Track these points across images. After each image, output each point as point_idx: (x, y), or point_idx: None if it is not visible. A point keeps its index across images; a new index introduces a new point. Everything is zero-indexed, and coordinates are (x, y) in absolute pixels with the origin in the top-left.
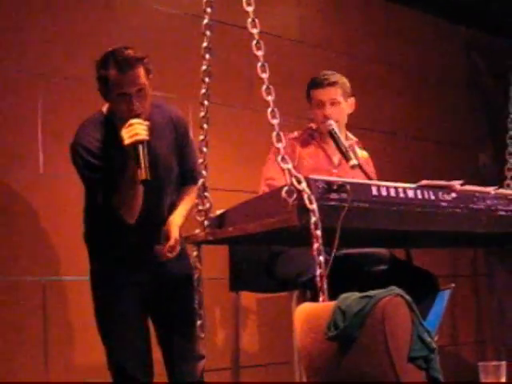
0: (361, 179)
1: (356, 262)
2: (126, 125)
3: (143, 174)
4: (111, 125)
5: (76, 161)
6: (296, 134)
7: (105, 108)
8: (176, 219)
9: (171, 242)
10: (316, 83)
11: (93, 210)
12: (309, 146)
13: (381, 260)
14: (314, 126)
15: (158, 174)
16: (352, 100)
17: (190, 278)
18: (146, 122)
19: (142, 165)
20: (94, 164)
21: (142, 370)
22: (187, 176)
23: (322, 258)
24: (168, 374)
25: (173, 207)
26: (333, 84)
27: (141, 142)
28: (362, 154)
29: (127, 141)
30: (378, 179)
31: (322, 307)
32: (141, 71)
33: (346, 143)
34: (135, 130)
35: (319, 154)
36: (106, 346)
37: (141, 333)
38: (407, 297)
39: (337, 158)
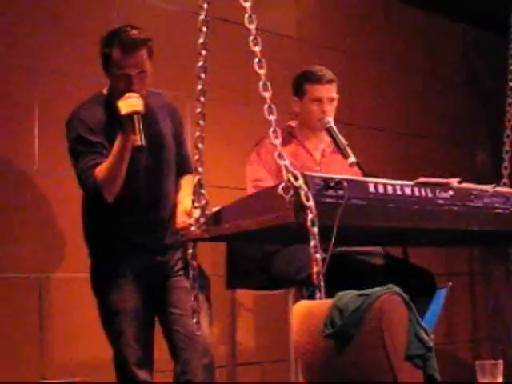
0: (344, 174)
1: (353, 260)
2: (125, 96)
3: (138, 139)
4: (110, 105)
5: (70, 133)
6: None
7: (105, 90)
8: (184, 194)
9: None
10: (314, 78)
11: (93, 201)
12: (289, 144)
13: (378, 258)
14: (293, 124)
15: (164, 155)
16: (338, 97)
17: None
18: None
19: (138, 131)
20: (86, 138)
21: (146, 366)
22: (184, 164)
23: (318, 256)
24: (175, 364)
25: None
26: (331, 81)
27: (137, 112)
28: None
29: (124, 110)
30: (375, 177)
31: (319, 305)
32: (144, 53)
33: (344, 140)
34: (133, 102)
35: (300, 152)
36: (111, 342)
37: (146, 328)
38: (404, 295)
39: (318, 153)
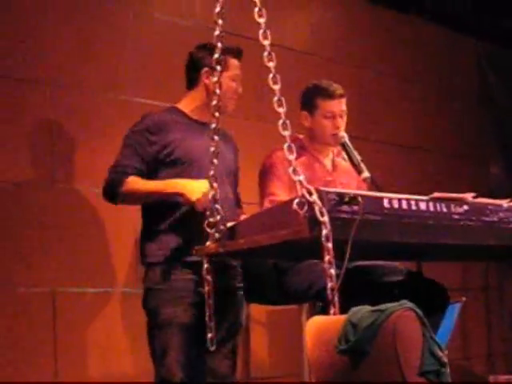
0: (353, 182)
1: (367, 275)
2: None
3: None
4: (181, 113)
5: (134, 126)
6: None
7: (180, 105)
8: None
9: None
10: (327, 93)
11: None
12: (301, 156)
13: (392, 272)
14: (301, 136)
15: (231, 188)
16: None
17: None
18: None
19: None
20: (145, 139)
21: None
22: (238, 201)
23: (333, 271)
24: None
25: None
26: (343, 96)
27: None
28: (344, 163)
29: (194, 196)
30: (390, 192)
31: (333, 320)
32: None
33: (357, 155)
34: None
35: (313, 163)
36: (163, 361)
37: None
38: (418, 310)
39: (329, 162)
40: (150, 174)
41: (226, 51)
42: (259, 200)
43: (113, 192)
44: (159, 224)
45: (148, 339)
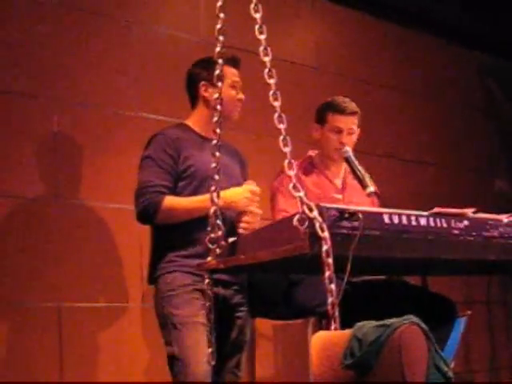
0: (366, 200)
1: (372, 290)
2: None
3: None
4: (190, 129)
5: (152, 145)
6: (296, 163)
7: (189, 122)
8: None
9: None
10: (338, 109)
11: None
12: (311, 174)
13: (397, 287)
14: (312, 153)
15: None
16: (359, 131)
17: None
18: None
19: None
20: (167, 153)
21: None
22: None
23: (333, 286)
24: None
25: None
26: (354, 113)
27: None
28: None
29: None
30: (391, 207)
31: (339, 335)
32: None
33: (362, 170)
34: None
35: (322, 181)
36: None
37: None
38: (423, 325)
39: (339, 181)
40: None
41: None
42: (271, 215)
43: (152, 213)
44: (168, 243)
45: (166, 346)
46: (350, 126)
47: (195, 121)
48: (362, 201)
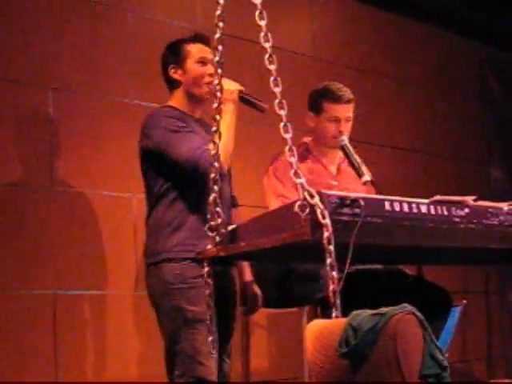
0: (361, 187)
1: (368, 278)
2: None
3: (262, 104)
4: (177, 110)
5: (156, 123)
6: None
7: (172, 103)
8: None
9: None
10: (334, 98)
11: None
12: (306, 161)
13: (393, 276)
14: (307, 140)
15: (230, 188)
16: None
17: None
18: None
19: (254, 99)
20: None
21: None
22: (234, 198)
23: (335, 274)
24: None
25: None
26: (350, 101)
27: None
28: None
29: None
30: (391, 195)
31: (334, 324)
32: None
33: (358, 158)
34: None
35: (317, 167)
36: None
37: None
38: (419, 314)
39: (334, 167)
40: None
41: (183, 41)
42: (267, 201)
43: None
44: (169, 220)
45: (170, 340)
46: (347, 115)
47: (175, 103)
48: (356, 187)
